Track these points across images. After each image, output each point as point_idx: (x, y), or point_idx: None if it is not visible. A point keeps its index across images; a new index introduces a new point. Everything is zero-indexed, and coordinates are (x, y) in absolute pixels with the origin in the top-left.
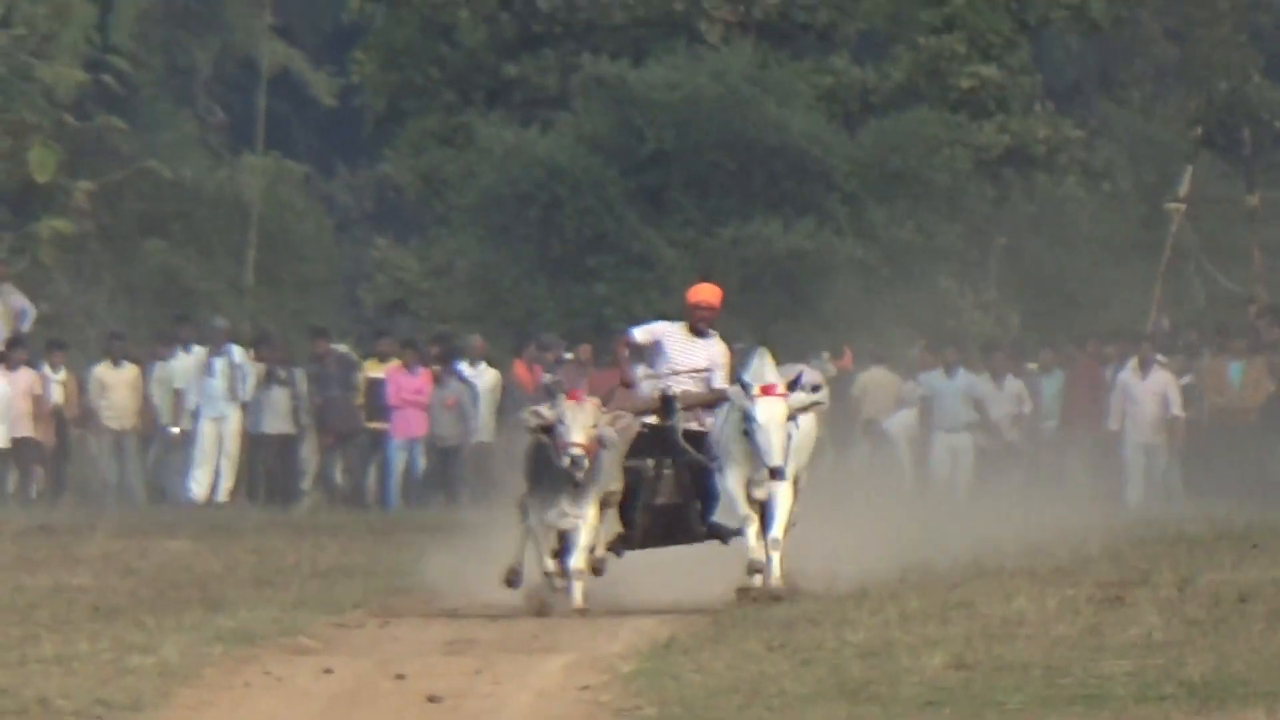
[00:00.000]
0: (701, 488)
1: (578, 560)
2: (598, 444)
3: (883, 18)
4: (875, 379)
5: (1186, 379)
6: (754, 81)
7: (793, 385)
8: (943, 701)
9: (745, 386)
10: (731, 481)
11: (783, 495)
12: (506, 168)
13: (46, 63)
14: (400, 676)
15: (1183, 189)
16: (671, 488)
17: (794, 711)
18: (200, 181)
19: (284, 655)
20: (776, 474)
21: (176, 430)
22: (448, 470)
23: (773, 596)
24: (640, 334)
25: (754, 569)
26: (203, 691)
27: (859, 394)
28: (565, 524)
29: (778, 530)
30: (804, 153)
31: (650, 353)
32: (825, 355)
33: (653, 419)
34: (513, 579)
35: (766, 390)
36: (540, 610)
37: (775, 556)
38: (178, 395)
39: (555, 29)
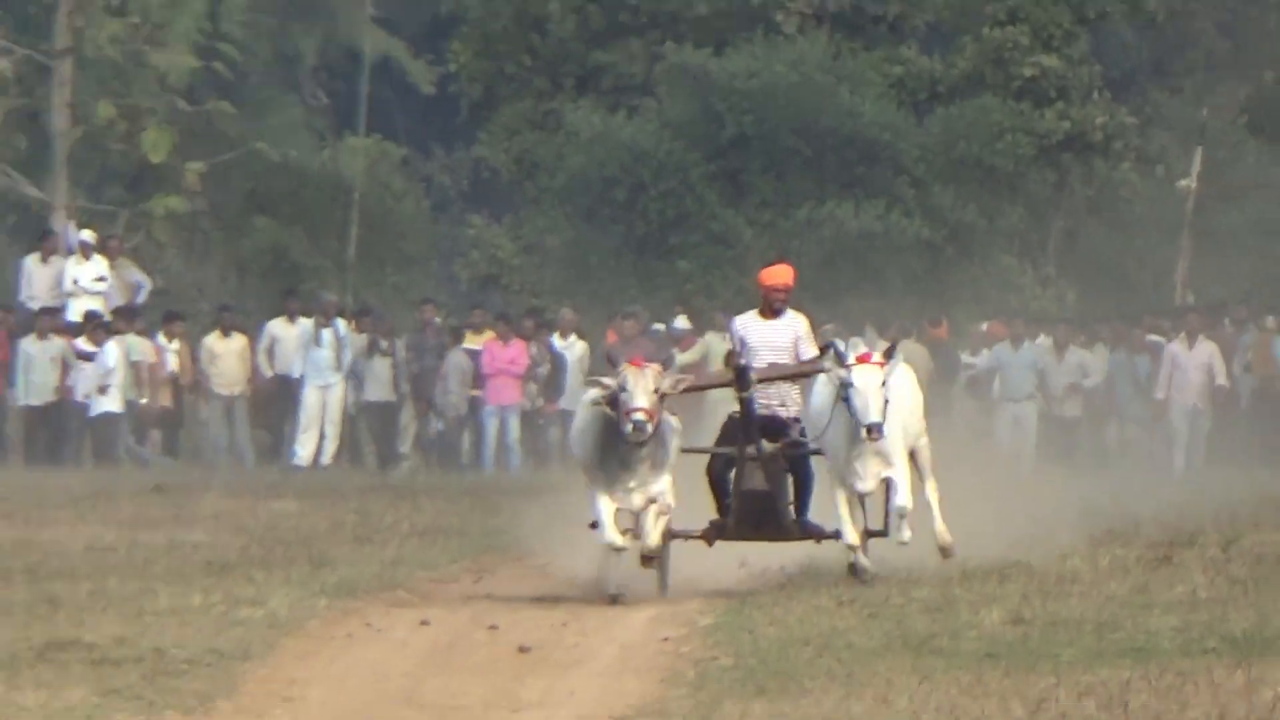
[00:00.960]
0: (800, 476)
1: (653, 538)
2: (659, 408)
3: (949, 10)
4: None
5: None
6: (828, 70)
7: (889, 354)
8: (1001, 655)
9: (841, 356)
10: (836, 470)
11: (899, 470)
12: (594, 151)
13: (160, 50)
14: (493, 628)
15: (1195, 168)
16: (760, 474)
17: (862, 663)
18: (305, 163)
19: (384, 608)
20: (874, 431)
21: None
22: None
23: (860, 576)
24: (732, 340)
25: (856, 568)
26: (307, 642)
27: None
28: (634, 503)
29: (904, 499)
30: (875, 139)
31: (743, 349)
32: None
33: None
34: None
35: (862, 359)
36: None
37: (904, 524)
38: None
39: (641, 19)
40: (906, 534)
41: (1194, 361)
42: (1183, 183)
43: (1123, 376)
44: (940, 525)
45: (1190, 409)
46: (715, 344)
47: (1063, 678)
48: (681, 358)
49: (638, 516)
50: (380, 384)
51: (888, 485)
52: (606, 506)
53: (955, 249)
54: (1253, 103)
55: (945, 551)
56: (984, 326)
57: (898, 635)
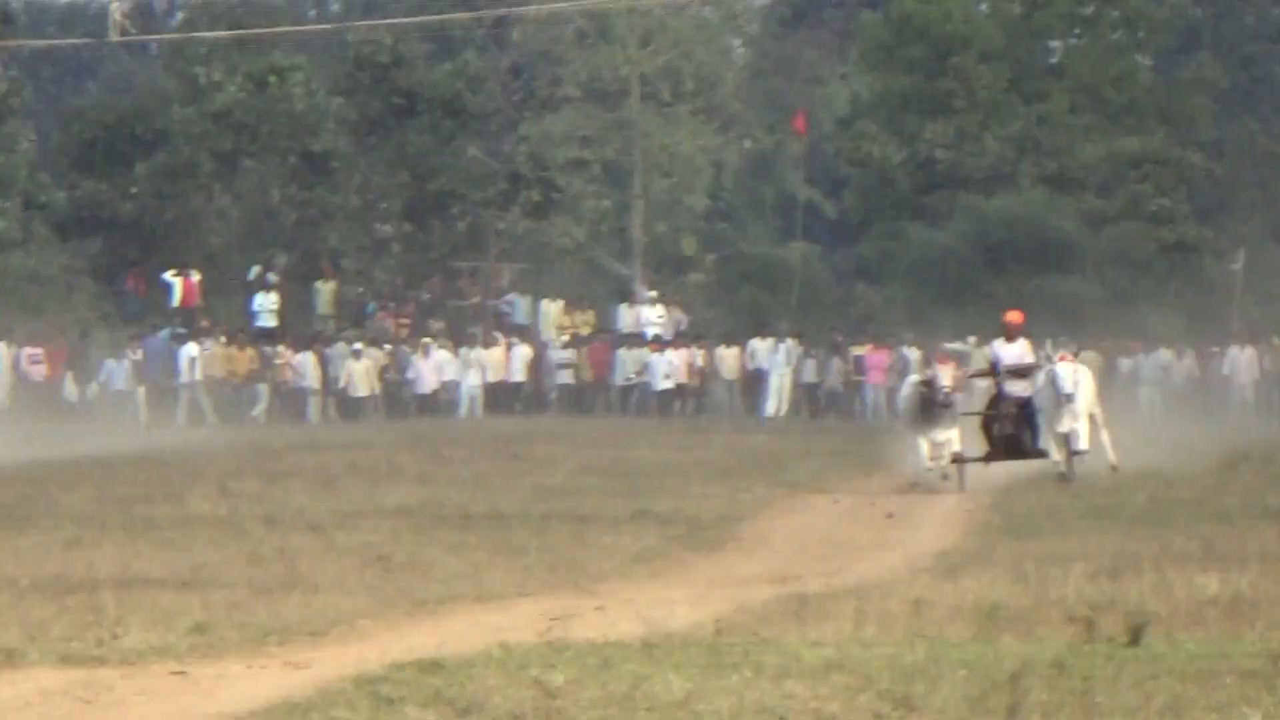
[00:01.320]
0: (1031, 425)
1: (948, 457)
2: (955, 392)
3: (1111, 175)
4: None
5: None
6: (1046, 207)
7: (1075, 355)
8: (1144, 518)
9: (1049, 359)
10: (1050, 421)
11: (1081, 423)
12: (923, 250)
13: (689, 213)
14: (873, 504)
15: (1241, 258)
16: (1009, 424)
17: (1069, 522)
18: (758, 253)
19: (815, 494)
20: (1069, 399)
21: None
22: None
23: (1068, 479)
24: (991, 355)
25: (1064, 475)
26: (774, 511)
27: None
28: (940, 438)
29: (1083, 444)
30: (1072, 244)
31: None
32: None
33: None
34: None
35: (1061, 359)
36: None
37: (1082, 457)
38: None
39: (947, 181)
40: (1084, 450)
41: (1245, 359)
42: (1234, 266)
43: (1213, 374)
44: (1110, 454)
45: (1240, 387)
46: (976, 351)
47: (1176, 531)
48: (955, 346)
49: (942, 446)
50: (809, 373)
51: (1078, 431)
52: (926, 446)
53: (1118, 303)
54: (1274, 224)
55: (1113, 469)
56: (1130, 344)
57: (1087, 508)
